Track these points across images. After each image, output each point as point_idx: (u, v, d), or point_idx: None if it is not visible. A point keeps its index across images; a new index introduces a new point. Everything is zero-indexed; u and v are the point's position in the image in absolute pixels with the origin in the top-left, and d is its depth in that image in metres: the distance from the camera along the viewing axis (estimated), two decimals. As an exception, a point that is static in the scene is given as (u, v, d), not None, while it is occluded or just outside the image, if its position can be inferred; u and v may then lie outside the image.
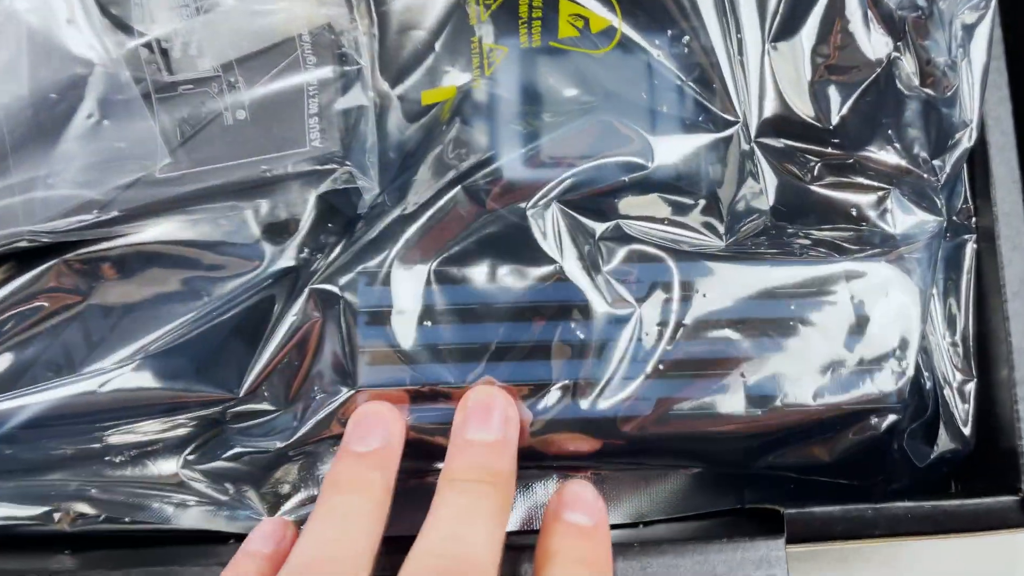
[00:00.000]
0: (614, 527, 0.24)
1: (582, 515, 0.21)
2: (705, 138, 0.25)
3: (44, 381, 0.24)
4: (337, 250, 0.24)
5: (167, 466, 0.25)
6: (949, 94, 0.24)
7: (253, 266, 0.25)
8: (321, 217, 0.26)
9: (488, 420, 0.22)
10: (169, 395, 0.24)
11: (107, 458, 0.24)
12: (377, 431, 0.22)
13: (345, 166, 0.25)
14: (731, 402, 0.23)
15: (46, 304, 0.25)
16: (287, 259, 0.26)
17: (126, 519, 0.24)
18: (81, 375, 0.24)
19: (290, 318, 0.23)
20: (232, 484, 0.24)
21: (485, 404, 0.22)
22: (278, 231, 0.26)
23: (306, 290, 0.23)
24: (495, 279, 0.23)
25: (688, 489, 0.25)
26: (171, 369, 0.24)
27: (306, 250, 0.26)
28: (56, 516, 0.24)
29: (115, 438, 0.24)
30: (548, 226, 0.23)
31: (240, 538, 0.22)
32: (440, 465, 0.22)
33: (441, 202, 0.24)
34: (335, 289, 0.23)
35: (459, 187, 0.24)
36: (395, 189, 0.25)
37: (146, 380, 0.24)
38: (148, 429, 0.24)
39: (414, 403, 0.23)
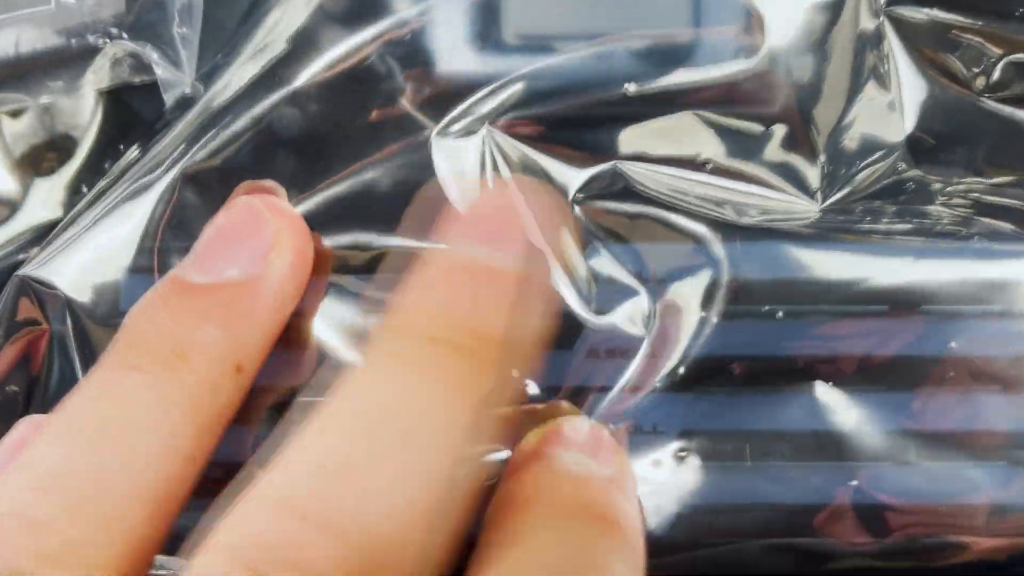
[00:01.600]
0: None
1: (583, 456, 0.11)
2: (790, 6, 0.13)
3: None
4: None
5: None
6: None
7: (-3, 216, 0.15)
8: (112, 130, 0.15)
9: (503, 236, 0.10)
10: None
11: None
12: (244, 245, 0.11)
13: (121, 41, 0.14)
14: (826, 522, 0.12)
15: None
16: (52, 205, 0.15)
17: None
18: None
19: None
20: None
21: (493, 208, 0.11)
22: (40, 156, 0.15)
23: (13, 279, 0.12)
24: (367, 263, 0.12)
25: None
26: None
27: (84, 188, 0.15)
28: None
29: None
30: (472, 166, 0.12)
31: None
32: None
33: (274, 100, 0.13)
34: (54, 281, 0.12)
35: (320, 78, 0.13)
36: (212, 75, 0.14)
37: None
38: None
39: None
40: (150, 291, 0.11)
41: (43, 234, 0.15)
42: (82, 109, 0.15)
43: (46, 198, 0.15)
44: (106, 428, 0.10)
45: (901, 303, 0.12)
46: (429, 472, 0.09)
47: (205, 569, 0.09)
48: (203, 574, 0.08)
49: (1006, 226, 0.12)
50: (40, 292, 0.12)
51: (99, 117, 0.15)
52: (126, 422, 0.10)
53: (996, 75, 0.13)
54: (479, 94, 0.12)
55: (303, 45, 0.13)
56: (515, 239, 0.10)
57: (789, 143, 0.13)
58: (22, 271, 0.12)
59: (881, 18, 0.13)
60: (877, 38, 0.13)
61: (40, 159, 0.15)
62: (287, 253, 0.11)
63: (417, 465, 0.09)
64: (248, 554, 0.08)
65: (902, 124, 0.13)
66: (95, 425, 0.10)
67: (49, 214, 0.15)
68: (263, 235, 0.11)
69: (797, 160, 0.13)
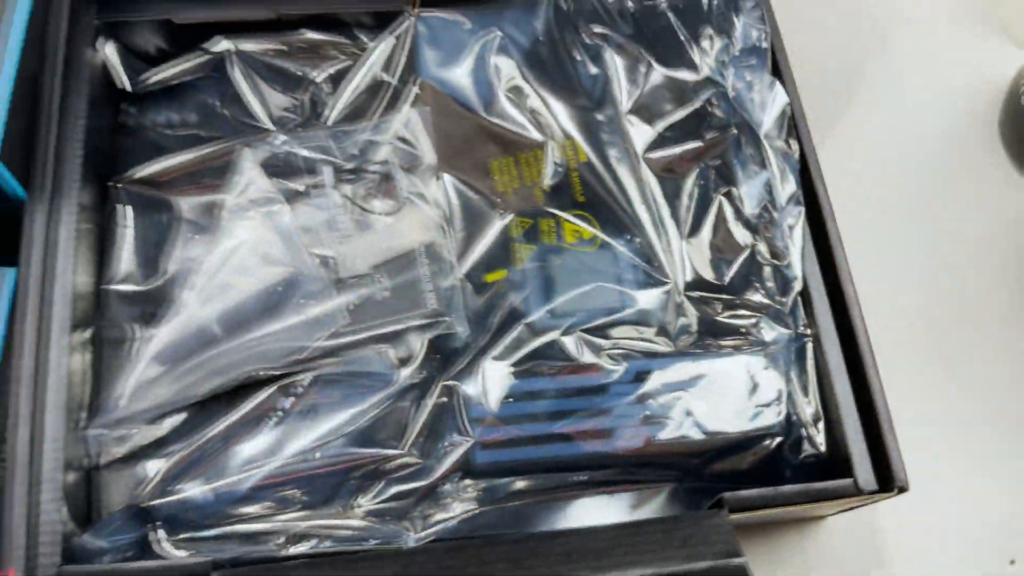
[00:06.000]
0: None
1: None
2: (655, 293, 0.43)
3: (270, 459, 0.40)
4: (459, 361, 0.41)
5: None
6: (786, 262, 0.44)
7: (394, 381, 0.42)
8: (430, 350, 0.43)
9: None
10: (364, 456, 0.40)
11: (313, 503, 0.40)
12: None
13: (447, 319, 0.42)
14: (690, 433, 0.40)
15: (266, 417, 0.41)
16: (412, 377, 0.42)
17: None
18: (298, 452, 0.40)
19: (432, 400, 0.40)
20: (391, 514, 0.40)
21: None
22: (403, 357, 0.43)
23: (440, 386, 0.40)
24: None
25: (667, 502, 0.42)
26: (357, 440, 0.40)
27: (424, 372, 0.43)
28: (283, 540, 0.39)
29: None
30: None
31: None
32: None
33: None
34: (453, 383, 0.40)
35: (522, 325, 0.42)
36: (476, 329, 0.42)
37: (345, 447, 0.40)
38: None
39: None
40: None
41: (408, 388, 0.43)
42: (420, 344, 0.44)
43: (408, 376, 0.43)
44: None
45: (699, 374, 0.41)
46: None
47: None
48: None
49: (730, 349, 0.42)
50: (447, 387, 0.40)
51: (425, 346, 0.44)
52: None
53: (719, 309, 0.44)
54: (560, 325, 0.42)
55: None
56: None
57: (661, 332, 0.43)
58: (442, 381, 0.40)
59: (682, 296, 0.44)
60: (682, 303, 0.44)
61: (405, 363, 0.43)
62: None
63: None
64: None
65: (694, 327, 0.43)
66: None
67: (411, 381, 0.43)
68: None
69: (664, 336, 0.42)
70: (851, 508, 0.44)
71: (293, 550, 0.39)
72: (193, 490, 0.39)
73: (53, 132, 0.42)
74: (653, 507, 0.41)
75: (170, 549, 0.38)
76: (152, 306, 0.43)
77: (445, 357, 0.43)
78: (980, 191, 0.56)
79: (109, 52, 0.46)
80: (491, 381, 0.40)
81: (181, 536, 0.39)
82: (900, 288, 0.53)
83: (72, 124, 0.43)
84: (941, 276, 0.54)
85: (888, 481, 0.40)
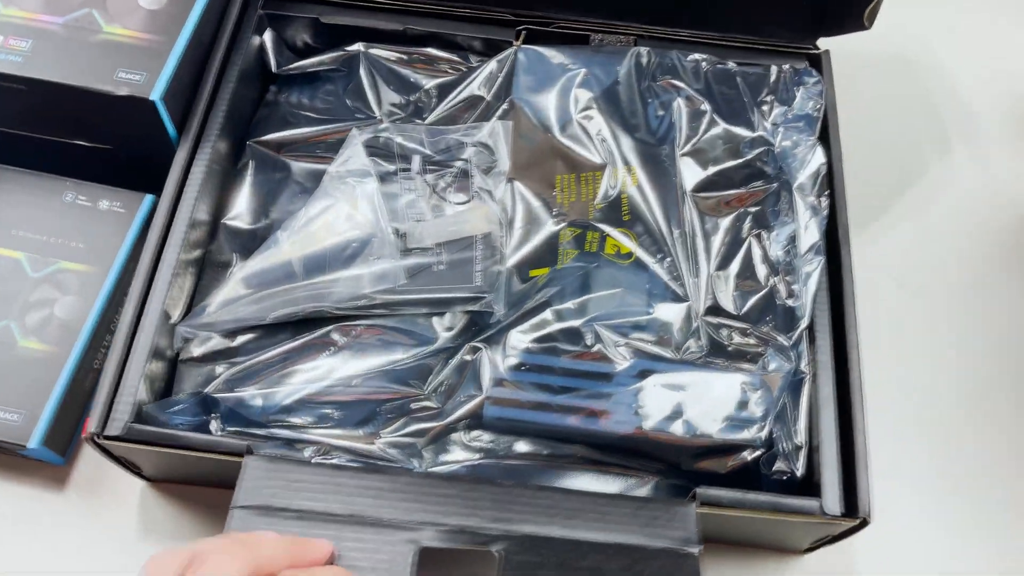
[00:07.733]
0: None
1: None
2: (674, 309, 0.48)
3: (317, 382, 0.47)
4: (489, 331, 0.47)
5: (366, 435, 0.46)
6: (798, 303, 0.48)
7: (434, 341, 0.49)
8: (469, 323, 0.50)
9: None
10: (391, 391, 0.46)
11: (344, 425, 0.46)
12: None
13: (488, 297, 0.49)
14: (676, 429, 0.44)
15: (322, 348, 0.48)
16: (449, 341, 0.49)
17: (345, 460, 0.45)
18: (341, 380, 0.47)
19: (459, 356, 0.46)
20: (406, 448, 0.46)
21: None
22: (447, 327, 0.50)
23: (467, 346, 0.46)
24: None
25: (650, 493, 0.46)
26: (393, 379, 0.47)
27: (460, 339, 0.49)
28: (309, 452, 0.46)
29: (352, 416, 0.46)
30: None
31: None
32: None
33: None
34: (481, 346, 0.46)
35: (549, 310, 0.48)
36: (511, 310, 0.48)
37: (380, 382, 0.46)
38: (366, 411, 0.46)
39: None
40: None
41: (444, 348, 0.49)
42: (462, 316, 0.50)
43: (448, 339, 0.50)
44: None
45: (706, 383, 0.46)
46: None
47: None
48: None
49: (733, 368, 0.47)
50: (473, 348, 0.46)
51: (465, 318, 0.50)
52: None
53: (731, 336, 0.48)
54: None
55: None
56: None
57: (678, 348, 0.48)
58: (471, 343, 0.46)
59: (699, 320, 0.49)
60: (698, 327, 0.49)
61: (447, 328, 0.50)
62: None
63: None
64: None
65: (706, 347, 0.48)
66: None
67: (448, 345, 0.49)
68: None
69: (677, 351, 0.48)
70: (825, 542, 0.47)
71: (318, 460, 0.45)
72: (249, 394, 0.47)
73: (207, 90, 0.52)
74: (636, 493, 0.46)
75: (220, 437, 0.45)
76: (253, 243, 0.51)
77: (480, 330, 0.49)
78: (1016, 297, 0.59)
79: (267, 38, 0.56)
80: (511, 348, 0.46)
81: (231, 429, 0.46)
82: (911, 362, 0.56)
83: (223, 87, 0.52)
84: (955, 360, 0.57)
85: (854, 510, 0.43)
